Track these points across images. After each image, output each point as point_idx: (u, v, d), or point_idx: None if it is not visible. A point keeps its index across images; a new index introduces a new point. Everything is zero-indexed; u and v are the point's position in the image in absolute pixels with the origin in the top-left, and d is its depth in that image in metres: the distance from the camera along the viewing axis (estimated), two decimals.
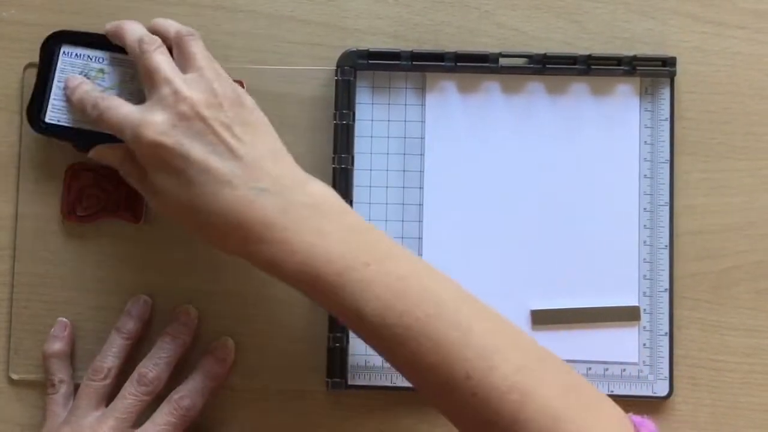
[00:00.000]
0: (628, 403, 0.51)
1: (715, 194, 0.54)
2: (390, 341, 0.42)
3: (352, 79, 0.53)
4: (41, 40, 0.52)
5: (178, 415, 0.49)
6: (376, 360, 0.52)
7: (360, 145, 0.53)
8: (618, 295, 0.53)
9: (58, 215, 0.53)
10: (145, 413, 0.49)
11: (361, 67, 0.53)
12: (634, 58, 0.53)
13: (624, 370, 0.52)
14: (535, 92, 0.53)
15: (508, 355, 0.41)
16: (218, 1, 0.55)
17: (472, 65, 0.53)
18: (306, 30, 0.54)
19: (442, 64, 0.53)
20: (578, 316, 0.52)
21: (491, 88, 0.53)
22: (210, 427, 0.52)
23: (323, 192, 0.45)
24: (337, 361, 0.52)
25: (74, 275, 0.53)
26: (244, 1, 0.55)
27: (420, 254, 0.53)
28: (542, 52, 0.53)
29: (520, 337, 0.43)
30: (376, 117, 0.54)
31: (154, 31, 0.49)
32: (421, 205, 0.53)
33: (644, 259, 0.53)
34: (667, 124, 0.53)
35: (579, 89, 0.53)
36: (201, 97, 0.44)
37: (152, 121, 0.44)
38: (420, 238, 0.53)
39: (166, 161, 0.44)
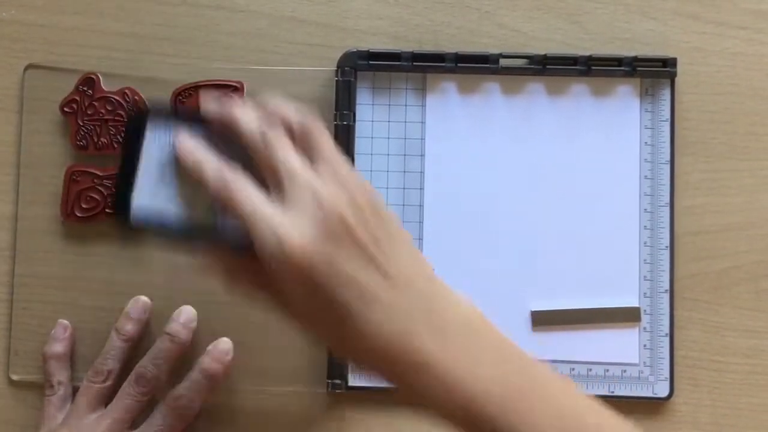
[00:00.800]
0: (629, 404, 0.51)
1: (715, 194, 0.54)
2: None
3: (352, 79, 0.53)
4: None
5: (176, 415, 0.49)
6: None
7: (360, 146, 0.53)
8: (618, 295, 0.53)
9: (58, 215, 0.53)
10: (143, 414, 0.49)
11: (361, 68, 0.53)
12: (635, 58, 0.53)
13: (624, 371, 0.52)
14: (535, 93, 0.53)
15: None
16: (218, 1, 0.55)
17: (473, 66, 0.53)
18: (306, 30, 0.54)
19: (443, 64, 0.53)
20: (579, 317, 0.52)
21: (491, 89, 0.53)
22: (209, 427, 0.52)
23: (470, 306, 0.40)
24: (337, 362, 0.52)
25: (74, 276, 0.53)
26: (244, 1, 0.55)
27: None
28: (542, 52, 0.53)
29: None
30: (377, 118, 0.53)
31: (269, 113, 0.41)
32: (421, 206, 0.53)
33: (645, 259, 0.53)
34: (667, 125, 0.53)
35: (579, 90, 0.53)
36: (344, 206, 0.38)
37: (300, 233, 0.37)
38: (420, 239, 0.53)
39: (313, 280, 0.37)
